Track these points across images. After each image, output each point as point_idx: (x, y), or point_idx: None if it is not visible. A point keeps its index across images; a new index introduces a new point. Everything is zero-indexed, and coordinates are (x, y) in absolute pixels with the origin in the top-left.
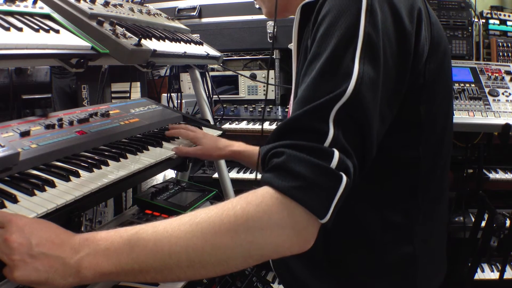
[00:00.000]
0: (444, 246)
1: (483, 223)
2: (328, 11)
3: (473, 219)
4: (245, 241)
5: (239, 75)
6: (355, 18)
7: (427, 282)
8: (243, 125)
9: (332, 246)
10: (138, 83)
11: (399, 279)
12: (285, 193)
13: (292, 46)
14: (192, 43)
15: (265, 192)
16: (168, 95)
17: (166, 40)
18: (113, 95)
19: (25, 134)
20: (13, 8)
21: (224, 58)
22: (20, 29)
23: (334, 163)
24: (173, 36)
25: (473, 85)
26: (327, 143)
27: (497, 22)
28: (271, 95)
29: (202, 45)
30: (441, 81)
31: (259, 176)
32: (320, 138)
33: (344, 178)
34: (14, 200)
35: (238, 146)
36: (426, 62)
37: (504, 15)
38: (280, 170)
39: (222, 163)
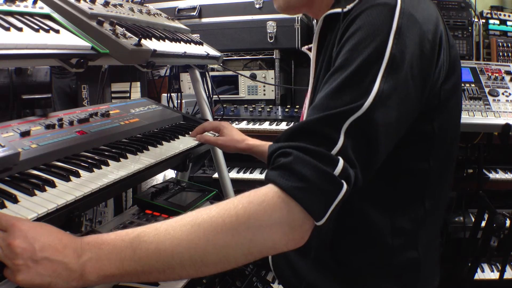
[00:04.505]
0: (438, 250)
1: (483, 223)
2: (359, 28)
3: (473, 219)
4: (246, 239)
5: (239, 75)
6: (384, 38)
7: (427, 285)
8: (243, 125)
9: (342, 247)
10: (138, 83)
11: (403, 282)
12: (287, 192)
13: (312, 50)
14: (192, 43)
15: (268, 190)
16: (168, 95)
17: (166, 40)
18: (113, 95)
19: (25, 134)
20: (13, 8)
21: (224, 58)
22: (20, 29)
23: (337, 170)
24: (173, 36)
25: (473, 85)
26: (334, 151)
27: (497, 22)
28: (271, 95)
29: (202, 45)
30: (454, 99)
31: (261, 176)
32: (329, 145)
33: (345, 186)
34: (15, 200)
35: (252, 140)
36: (442, 84)
37: (504, 15)
38: (286, 169)
39: (222, 163)
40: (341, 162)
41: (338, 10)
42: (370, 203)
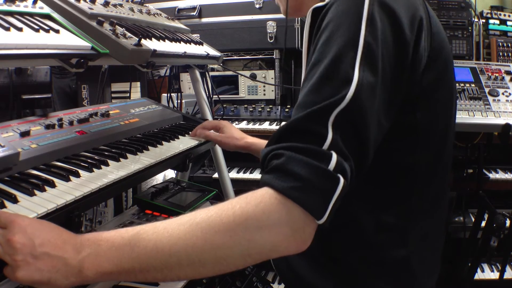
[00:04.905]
0: (441, 246)
1: (483, 223)
2: (330, 20)
3: (473, 219)
4: (244, 240)
5: (239, 75)
6: (356, 27)
7: (421, 282)
8: (243, 125)
9: (332, 245)
10: (138, 83)
11: (395, 279)
12: (284, 193)
13: (303, 48)
14: (192, 43)
15: (264, 193)
16: (168, 95)
17: (166, 40)
18: (113, 95)
19: (25, 134)
20: (13, 8)
21: (224, 58)
22: (20, 29)
23: (332, 165)
24: (173, 36)
25: (473, 85)
26: (325, 146)
27: (497, 22)
28: (271, 95)
29: (202, 45)
30: (442, 89)
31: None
32: (319, 141)
33: (342, 180)
34: (14, 200)
35: (251, 138)
36: (424, 71)
37: (504, 15)
38: (279, 171)
39: (222, 163)
40: (334, 156)
41: (322, 3)
42: (352, 198)
